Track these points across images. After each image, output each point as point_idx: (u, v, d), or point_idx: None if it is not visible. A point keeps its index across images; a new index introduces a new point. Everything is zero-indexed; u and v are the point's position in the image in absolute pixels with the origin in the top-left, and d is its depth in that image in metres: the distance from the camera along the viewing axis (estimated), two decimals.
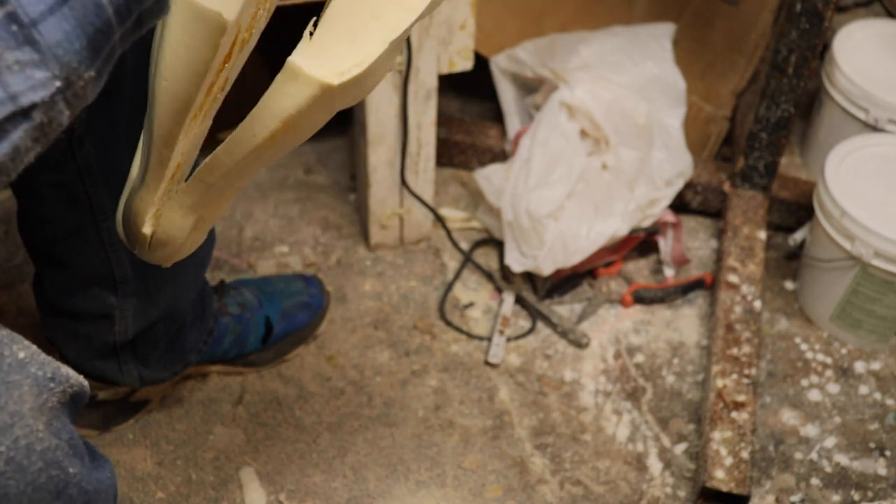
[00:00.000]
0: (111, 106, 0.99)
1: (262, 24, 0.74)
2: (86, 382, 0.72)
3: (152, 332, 1.22)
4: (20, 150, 0.52)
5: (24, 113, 0.49)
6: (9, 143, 0.50)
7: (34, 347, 0.67)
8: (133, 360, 1.23)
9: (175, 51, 0.70)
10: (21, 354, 0.65)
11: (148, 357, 1.24)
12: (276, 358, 1.41)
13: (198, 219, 0.83)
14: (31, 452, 0.64)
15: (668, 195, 1.53)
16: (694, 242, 1.66)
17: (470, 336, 1.49)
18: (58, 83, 0.51)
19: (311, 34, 0.71)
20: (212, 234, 1.23)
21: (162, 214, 0.80)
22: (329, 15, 0.72)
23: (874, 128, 1.61)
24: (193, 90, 0.72)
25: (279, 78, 0.71)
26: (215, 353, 1.34)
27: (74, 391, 0.69)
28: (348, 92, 0.72)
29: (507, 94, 1.67)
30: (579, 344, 1.48)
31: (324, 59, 0.70)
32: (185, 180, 0.80)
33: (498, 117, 1.71)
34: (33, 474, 0.64)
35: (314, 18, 0.71)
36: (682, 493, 1.32)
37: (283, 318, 1.39)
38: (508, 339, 1.48)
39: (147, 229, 0.81)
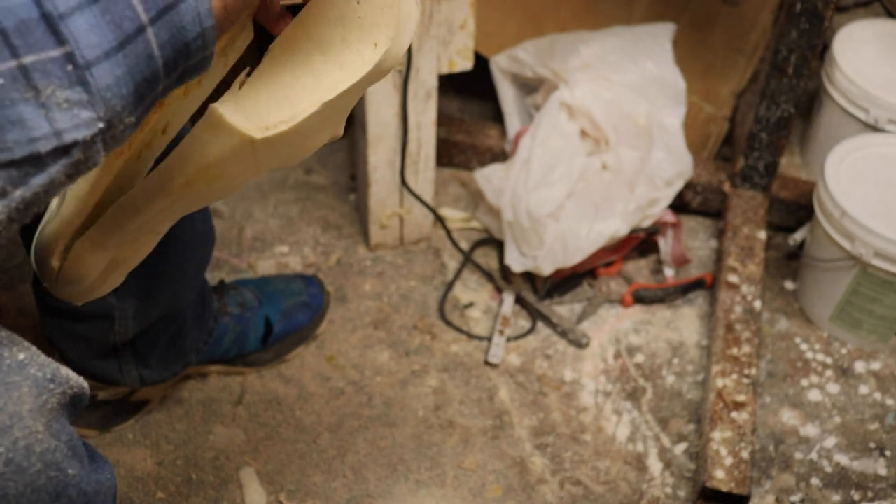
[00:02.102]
0: None
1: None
2: (86, 384, 0.72)
3: (152, 333, 1.22)
4: (54, 184, 0.53)
5: (65, 149, 0.51)
6: (47, 176, 0.52)
7: (34, 349, 0.67)
8: (133, 361, 1.23)
9: None
10: (21, 356, 0.65)
11: (148, 357, 1.24)
12: (275, 358, 1.41)
13: (111, 260, 0.80)
14: (30, 454, 0.64)
15: (668, 195, 1.53)
16: (694, 242, 1.66)
17: (470, 336, 1.49)
18: (101, 125, 0.52)
19: (242, 85, 0.67)
20: (211, 234, 1.23)
21: (72, 250, 0.77)
22: (264, 67, 0.68)
23: (874, 128, 1.61)
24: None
25: (201, 123, 0.68)
26: (215, 353, 1.34)
27: (74, 393, 0.69)
28: (275, 149, 0.68)
29: (507, 94, 1.67)
30: (579, 344, 1.48)
31: (250, 112, 0.67)
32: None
33: (498, 117, 1.71)
34: (32, 476, 0.64)
35: (247, 69, 0.68)
36: (682, 493, 1.32)
37: (283, 318, 1.39)
38: (508, 339, 1.48)
39: (55, 262, 0.77)
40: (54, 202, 0.78)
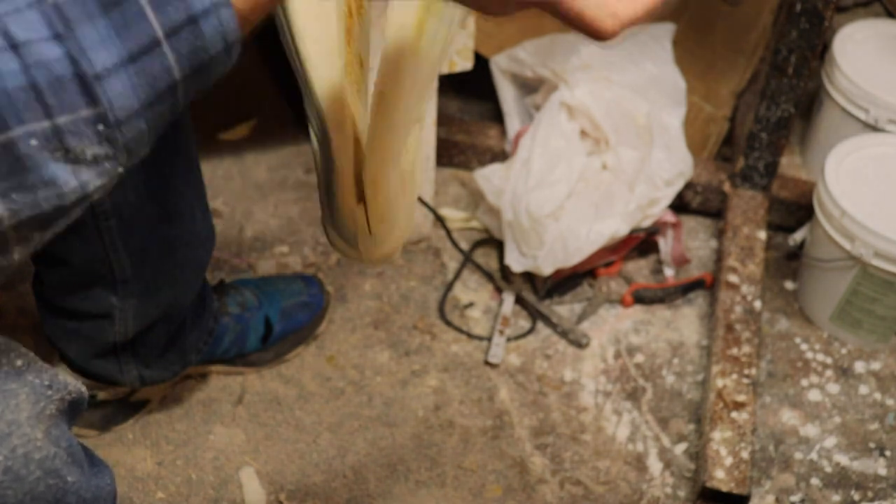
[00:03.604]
0: None
1: None
2: (84, 389, 0.72)
3: (152, 332, 1.22)
4: (71, 221, 0.55)
5: (88, 197, 0.52)
6: (67, 220, 0.54)
7: (31, 354, 0.67)
8: (133, 360, 1.23)
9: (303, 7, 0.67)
10: (18, 362, 0.65)
11: (148, 357, 1.24)
12: (275, 358, 1.41)
13: (401, 177, 0.76)
14: (28, 461, 0.64)
15: (668, 195, 1.53)
16: (694, 242, 1.66)
17: (470, 336, 1.49)
18: (121, 170, 0.53)
19: None
20: (212, 234, 1.23)
21: (365, 182, 0.73)
22: None
23: (874, 128, 1.61)
24: (333, 30, 0.68)
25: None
26: (215, 353, 1.34)
27: (73, 398, 0.69)
28: None
29: (507, 94, 1.67)
30: (579, 344, 1.48)
31: None
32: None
33: (498, 117, 1.71)
34: (31, 483, 0.64)
35: None
36: (682, 493, 1.32)
37: (283, 318, 1.39)
38: (508, 339, 1.48)
39: (359, 211, 0.75)
40: (319, 165, 0.75)
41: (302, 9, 0.68)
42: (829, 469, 1.35)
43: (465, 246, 1.62)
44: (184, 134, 1.09)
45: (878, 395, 1.45)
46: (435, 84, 0.73)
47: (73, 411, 0.71)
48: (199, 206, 1.18)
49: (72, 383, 0.69)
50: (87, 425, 1.31)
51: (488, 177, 1.55)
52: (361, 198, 0.75)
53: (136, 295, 1.16)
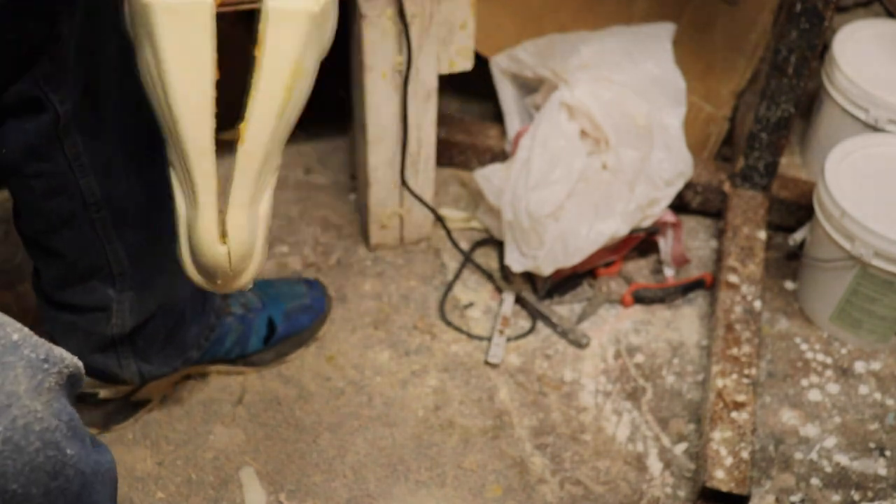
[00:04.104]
0: (97, 97, 1.00)
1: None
2: (80, 363, 0.73)
3: (151, 326, 1.22)
4: None
5: None
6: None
7: (26, 330, 0.68)
8: (132, 355, 1.24)
9: (176, 57, 0.74)
10: (14, 336, 0.66)
11: (147, 351, 1.24)
12: (276, 358, 1.41)
13: (259, 217, 0.85)
14: (28, 432, 0.64)
15: (668, 195, 1.53)
16: (694, 242, 1.66)
17: (470, 336, 1.49)
18: None
19: None
20: None
21: (228, 225, 0.82)
22: None
23: (874, 128, 1.61)
24: (207, 86, 0.75)
25: (269, 29, 0.75)
26: (217, 353, 1.35)
27: (70, 372, 0.70)
28: (325, 22, 0.76)
29: (507, 94, 1.67)
30: (579, 344, 1.48)
31: None
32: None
33: (498, 117, 1.71)
34: (31, 454, 0.65)
35: None
36: (682, 493, 1.32)
37: (286, 320, 1.40)
38: (508, 339, 1.48)
39: (222, 248, 0.83)
40: (181, 207, 0.84)
41: (176, 68, 0.75)
42: (829, 469, 1.35)
43: (465, 246, 1.62)
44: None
45: (878, 395, 1.45)
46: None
47: (71, 385, 0.71)
48: None
49: (68, 357, 0.70)
50: (88, 423, 1.30)
51: (488, 177, 1.55)
52: (223, 239, 0.83)
53: (134, 287, 1.16)
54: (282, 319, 1.39)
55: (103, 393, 1.28)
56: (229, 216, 0.82)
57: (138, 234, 1.12)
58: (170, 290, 1.20)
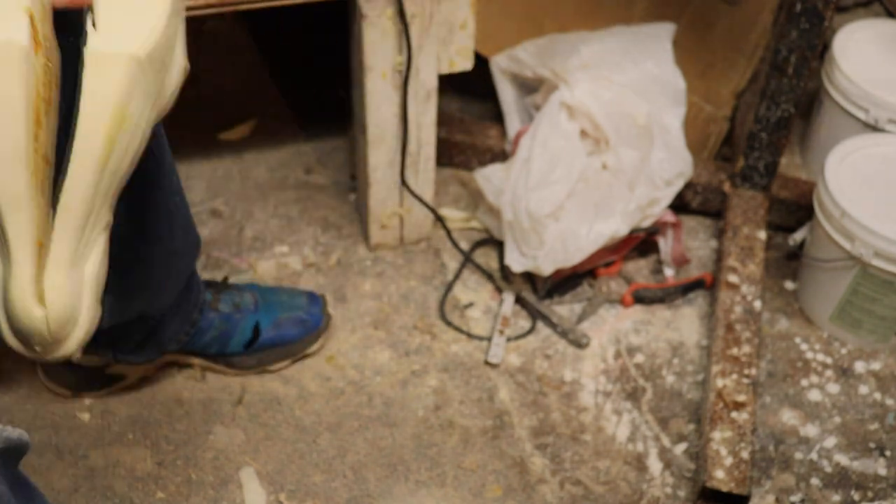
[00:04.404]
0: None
1: (55, 93, 0.72)
2: (25, 435, 0.72)
3: (128, 329, 1.23)
4: None
5: None
6: None
7: None
8: (108, 347, 1.25)
9: None
10: None
11: (124, 347, 1.26)
12: (258, 365, 1.39)
13: (85, 281, 0.79)
14: None
15: (668, 195, 1.53)
16: (694, 242, 1.66)
17: (470, 336, 1.49)
18: None
19: (94, 24, 0.70)
20: (195, 244, 1.24)
21: (45, 286, 0.76)
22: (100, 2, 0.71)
23: (874, 128, 1.61)
24: (20, 133, 0.69)
25: (87, 73, 0.70)
26: (195, 345, 1.34)
27: (11, 444, 0.70)
28: (155, 68, 0.71)
29: (507, 94, 1.67)
30: (579, 344, 1.48)
31: (119, 37, 0.69)
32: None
33: (498, 117, 1.71)
34: None
35: (87, 8, 0.71)
36: (682, 493, 1.32)
37: (274, 328, 1.38)
38: (508, 339, 1.48)
39: (38, 312, 0.76)
40: None
41: None
42: (829, 469, 1.35)
43: (465, 246, 1.62)
44: (162, 166, 1.09)
45: (878, 395, 1.45)
46: (118, 191, 0.77)
47: (9, 457, 0.71)
48: (180, 226, 1.18)
49: (10, 430, 0.70)
50: (61, 384, 1.32)
51: (488, 177, 1.55)
52: (41, 301, 0.76)
53: (114, 294, 1.16)
54: (269, 327, 1.38)
55: (78, 357, 1.28)
56: (47, 276, 0.75)
57: (119, 257, 1.11)
58: (149, 303, 1.21)
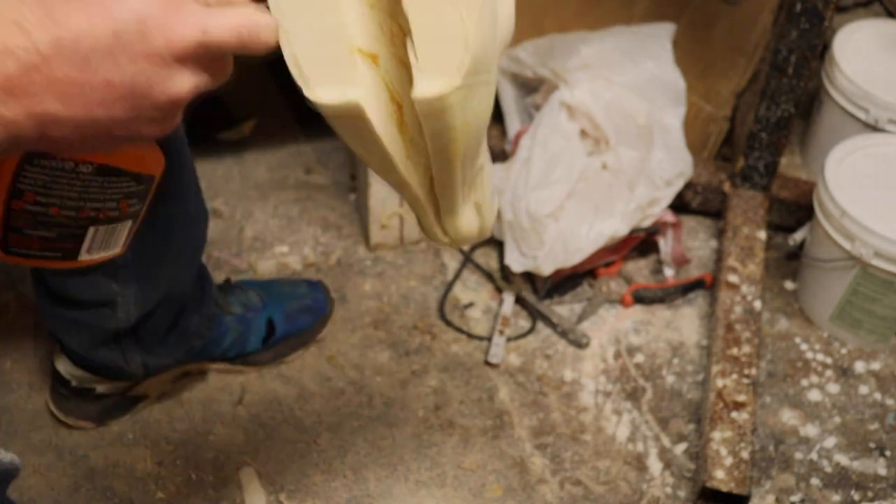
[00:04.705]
0: None
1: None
2: (17, 459, 0.73)
3: (154, 317, 1.22)
4: None
5: None
6: None
7: None
8: (136, 346, 1.24)
9: (354, 147, 0.70)
10: None
11: (151, 342, 1.25)
12: (275, 358, 1.41)
13: (473, 207, 0.82)
14: None
15: (668, 195, 1.53)
16: (694, 242, 1.66)
17: (470, 336, 1.49)
18: None
19: (415, 58, 0.66)
20: (204, 213, 1.23)
21: (445, 226, 0.81)
22: (416, 33, 0.66)
23: (874, 128, 1.61)
24: (388, 164, 0.71)
25: (424, 121, 0.68)
26: (216, 352, 1.35)
27: (2, 468, 0.70)
28: (480, 61, 0.68)
29: (507, 94, 1.67)
30: (579, 344, 1.48)
31: (434, 70, 0.65)
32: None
33: (498, 117, 1.71)
34: None
35: (409, 42, 0.67)
36: (682, 493, 1.32)
37: (286, 320, 1.40)
38: (508, 339, 1.48)
39: (445, 238, 0.82)
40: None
41: (380, 123, 0.68)
42: (829, 469, 1.35)
43: (464, 246, 1.62)
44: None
45: (878, 395, 1.45)
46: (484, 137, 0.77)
47: (2, 481, 0.71)
48: (191, 187, 1.18)
49: (2, 452, 0.70)
50: (84, 417, 1.31)
51: None
52: (445, 234, 0.81)
53: (137, 279, 1.16)
54: (282, 320, 1.39)
55: (100, 388, 1.29)
56: (446, 224, 0.80)
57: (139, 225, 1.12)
58: (173, 278, 1.20)
